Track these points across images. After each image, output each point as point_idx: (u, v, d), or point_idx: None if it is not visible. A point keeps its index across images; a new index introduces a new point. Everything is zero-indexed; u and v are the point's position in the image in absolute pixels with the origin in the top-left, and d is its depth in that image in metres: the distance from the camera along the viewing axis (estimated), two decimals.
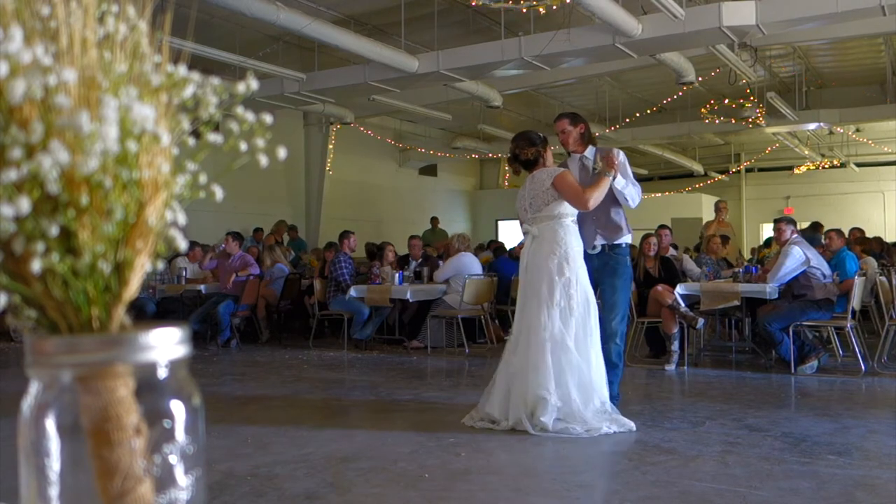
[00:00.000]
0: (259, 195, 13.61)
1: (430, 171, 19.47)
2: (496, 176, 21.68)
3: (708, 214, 20.89)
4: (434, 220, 15.68)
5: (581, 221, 4.68)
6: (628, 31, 8.72)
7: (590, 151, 4.93)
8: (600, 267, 4.79)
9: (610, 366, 4.68)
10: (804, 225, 10.96)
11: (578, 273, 4.49)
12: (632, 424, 4.40)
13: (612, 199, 4.75)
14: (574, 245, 4.55)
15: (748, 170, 21.98)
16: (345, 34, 9.41)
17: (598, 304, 4.68)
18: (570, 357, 4.39)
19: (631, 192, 4.75)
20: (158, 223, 0.62)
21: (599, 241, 4.83)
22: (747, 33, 8.88)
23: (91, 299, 0.60)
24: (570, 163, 4.96)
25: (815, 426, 4.53)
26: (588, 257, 4.70)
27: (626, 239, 4.86)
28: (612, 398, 4.65)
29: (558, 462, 3.89)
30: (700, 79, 12.24)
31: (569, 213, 4.58)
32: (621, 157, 4.79)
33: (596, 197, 4.55)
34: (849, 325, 6.42)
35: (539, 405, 4.32)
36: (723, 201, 10.78)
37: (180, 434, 0.63)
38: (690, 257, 9.04)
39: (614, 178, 4.62)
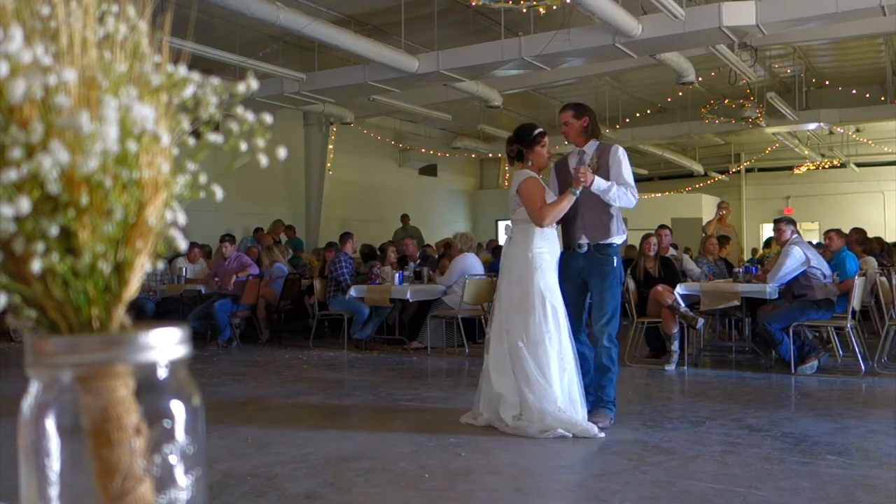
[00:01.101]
0: (259, 195, 13.61)
1: (430, 171, 19.46)
2: (496, 176, 21.67)
3: (708, 214, 20.92)
4: (404, 218, 15.04)
5: (568, 220, 4.59)
6: (628, 31, 8.72)
7: (590, 146, 4.68)
8: (587, 267, 4.59)
9: (601, 369, 4.54)
10: (806, 225, 10.95)
11: (538, 276, 4.40)
12: (595, 431, 4.24)
13: (600, 199, 4.54)
14: (544, 249, 4.46)
15: (748, 170, 21.99)
16: (345, 34, 9.41)
17: (587, 305, 4.64)
18: (521, 358, 4.35)
19: (618, 194, 4.48)
20: (158, 223, 0.62)
21: (584, 241, 4.60)
22: (747, 33, 8.88)
23: (91, 299, 0.60)
24: (570, 156, 4.80)
25: (815, 426, 4.53)
26: (574, 257, 4.61)
27: (616, 239, 4.62)
28: (606, 403, 4.52)
29: (558, 462, 3.89)
30: (700, 79, 12.24)
31: None
32: (619, 153, 4.60)
33: (553, 215, 4.43)
34: (849, 325, 6.42)
35: (500, 402, 4.39)
36: (725, 202, 10.75)
37: (180, 434, 0.63)
38: (691, 257, 9.04)
39: (581, 194, 4.42)
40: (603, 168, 4.57)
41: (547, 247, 4.49)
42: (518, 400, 4.35)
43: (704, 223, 10.88)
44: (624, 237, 4.73)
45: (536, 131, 4.67)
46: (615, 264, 4.60)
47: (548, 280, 4.44)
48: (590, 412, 4.46)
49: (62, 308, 0.60)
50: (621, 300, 4.68)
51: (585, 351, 4.57)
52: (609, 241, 4.60)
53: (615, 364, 4.60)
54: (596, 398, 4.53)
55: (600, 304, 4.58)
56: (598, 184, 4.43)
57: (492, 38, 10.01)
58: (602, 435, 4.24)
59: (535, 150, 4.62)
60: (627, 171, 4.58)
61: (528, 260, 4.45)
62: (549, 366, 4.32)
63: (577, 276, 4.60)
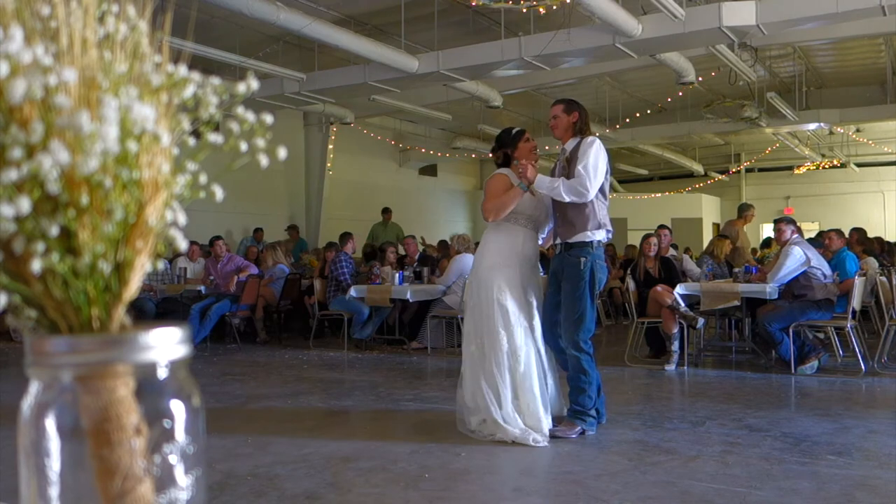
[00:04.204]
0: (259, 195, 13.62)
1: (430, 171, 19.46)
2: None
3: (708, 214, 20.93)
4: (386, 213, 14.16)
5: (554, 219, 4.51)
6: (628, 31, 8.72)
7: (571, 143, 4.47)
8: (558, 269, 4.43)
9: (571, 378, 4.36)
10: (806, 225, 10.85)
11: (491, 275, 4.33)
12: (531, 439, 4.09)
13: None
14: (500, 249, 4.38)
15: (748, 170, 21.99)
16: (345, 34, 9.41)
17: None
18: (473, 363, 4.33)
19: (563, 190, 4.22)
20: (158, 223, 0.62)
21: (558, 240, 4.45)
22: (747, 33, 8.88)
23: (91, 299, 0.60)
24: (558, 158, 4.68)
25: (815, 426, 4.53)
26: (554, 257, 4.53)
27: (586, 237, 4.32)
28: (578, 412, 4.32)
29: (558, 462, 3.90)
30: (700, 79, 12.24)
31: (512, 213, 4.40)
32: (587, 143, 4.33)
33: (496, 208, 4.34)
34: (849, 325, 6.42)
35: (464, 407, 4.38)
36: (751, 206, 10.54)
37: (180, 434, 0.63)
38: (691, 257, 9.01)
39: (527, 188, 4.29)
40: (573, 161, 4.38)
41: (507, 245, 4.40)
42: (472, 404, 4.32)
43: (729, 222, 10.57)
44: (601, 235, 4.39)
45: (515, 130, 4.65)
46: (583, 266, 4.32)
47: (500, 279, 4.33)
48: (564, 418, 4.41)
49: (62, 308, 0.60)
50: (592, 303, 4.36)
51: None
52: (577, 239, 4.34)
53: (587, 373, 4.32)
54: (569, 406, 4.41)
55: (566, 309, 4.35)
56: (541, 181, 4.26)
57: (492, 38, 10.00)
58: (543, 444, 4.10)
59: (520, 146, 4.55)
60: (590, 161, 4.27)
61: (484, 257, 4.43)
62: (500, 368, 4.24)
63: (554, 276, 4.50)
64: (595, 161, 4.29)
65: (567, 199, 4.26)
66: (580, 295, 4.32)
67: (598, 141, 4.40)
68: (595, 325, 4.46)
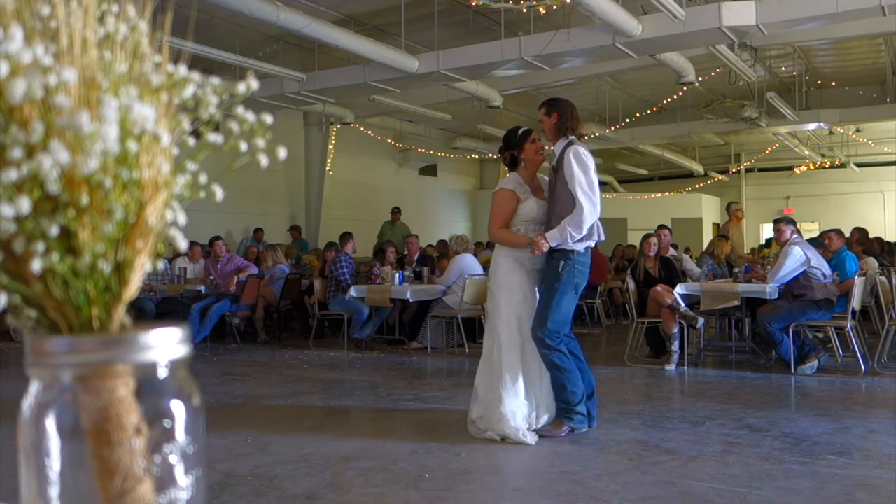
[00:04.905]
0: (259, 195, 13.63)
1: (430, 171, 19.46)
2: (496, 176, 21.65)
3: (708, 214, 20.94)
4: (394, 213, 14.26)
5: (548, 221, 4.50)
6: (628, 31, 8.72)
7: (558, 146, 4.45)
8: (544, 270, 4.45)
9: (552, 378, 4.36)
10: (806, 225, 10.87)
11: (501, 277, 4.45)
12: (522, 438, 4.14)
13: (565, 205, 4.33)
14: (516, 255, 4.44)
15: (748, 170, 22.01)
16: (345, 34, 9.41)
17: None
18: (488, 356, 4.45)
19: (572, 229, 4.26)
20: (158, 223, 0.62)
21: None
22: (747, 33, 8.89)
23: (91, 299, 0.60)
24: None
25: (815, 426, 4.53)
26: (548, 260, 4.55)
27: (567, 246, 4.32)
28: (565, 411, 4.33)
29: (558, 462, 3.90)
30: (700, 79, 12.24)
31: (518, 220, 4.48)
32: (568, 158, 4.33)
33: (499, 239, 4.51)
34: (849, 325, 6.42)
35: (474, 397, 4.47)
36: (734, 202, 10.66)
37: (180, 434, 0.63)
38: (691, 257, 9.01)
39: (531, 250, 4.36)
40: (559, 171, 4.40)
41: (522, 251, 4.43)
42: (489, 396, 4.36)
43: (724, 224, 10.61)
44: (588, 243, 4.40)
45: (521, 130, 4.65)
46: (561, 268, 4.33)
47: (511, 282, 4.42)
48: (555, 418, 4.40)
49: (62, 308, 0.60)
50: (565, 304, 4.34)
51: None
52: (561, 245, 4.34)
53: (561, 369, 4.31)
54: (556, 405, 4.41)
55: (539, 310, 4.37)
56: (555, 239, 4.29)
57: (492, 38, 10.01)
58: (532, 442, 4.13)
59: (525, 148, 4.56)
60: (580, 175, 4.29)
61: (500, 264, 4.51)
62: (511, 367, 4.31)
63: (542, 278, 4.52)
64: (586, 176, 4.33)
65: (582, 231, 4.29)
66: (552, 294, 4.34)
67: (578, 151, 4.35)
68: (564, 325, 4.37)
